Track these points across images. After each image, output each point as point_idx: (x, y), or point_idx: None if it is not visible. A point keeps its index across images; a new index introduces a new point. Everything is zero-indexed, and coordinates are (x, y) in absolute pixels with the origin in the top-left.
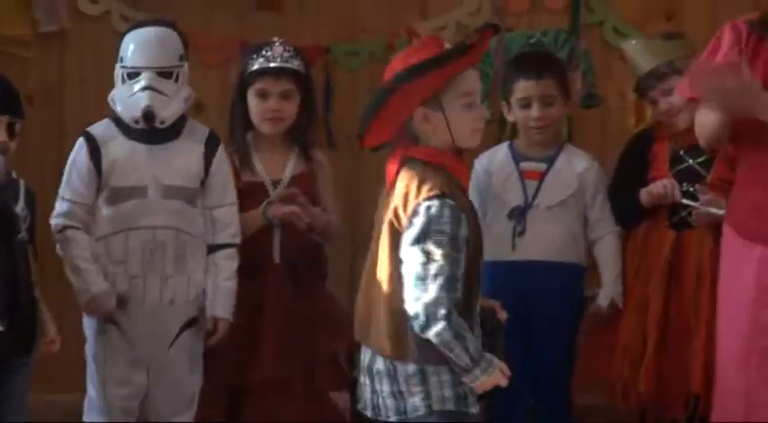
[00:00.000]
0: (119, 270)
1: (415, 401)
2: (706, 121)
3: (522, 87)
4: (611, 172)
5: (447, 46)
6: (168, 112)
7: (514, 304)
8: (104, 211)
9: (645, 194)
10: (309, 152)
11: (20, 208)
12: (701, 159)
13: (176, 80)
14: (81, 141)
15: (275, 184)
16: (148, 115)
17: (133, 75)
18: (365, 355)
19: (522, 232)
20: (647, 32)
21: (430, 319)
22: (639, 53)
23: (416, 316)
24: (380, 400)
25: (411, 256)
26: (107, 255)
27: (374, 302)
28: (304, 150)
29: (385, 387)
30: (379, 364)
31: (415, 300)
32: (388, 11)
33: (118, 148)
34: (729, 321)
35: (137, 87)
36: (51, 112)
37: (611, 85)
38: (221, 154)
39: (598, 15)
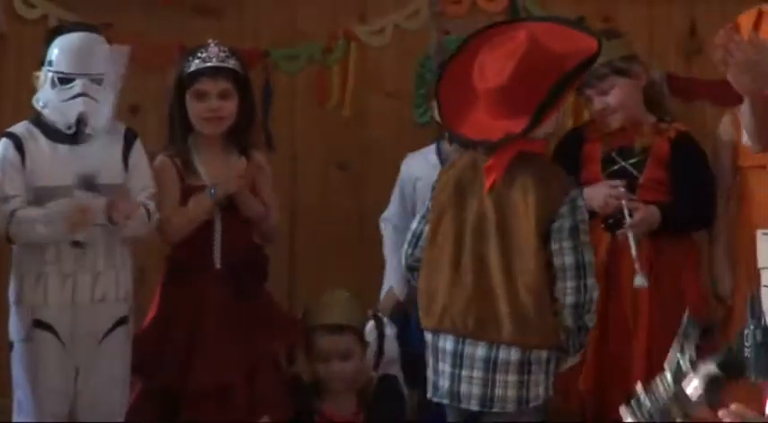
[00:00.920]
0: (52, 270)
1: (539, 390)
2: (748, 125)
3: None
4: None
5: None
6: (99, 119)
7: None
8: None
9: (593, 203)
10: (249, 153)
11: None
12: (633, 161)
13: (105, 87)
14: (5, 141)
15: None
16: (82, 122)
17: (66, 80)
18: (465, 348)
19: None
20: None
21: (590, 305)
22: None
23: (578, 304)
24: (489, 390)
25: (567, 248)
26: (39, 256)
27: (497, 296)
28: (243, 152)
29: (511, 377)
30: (511, 354)
31: (577, 289)
32: (327, 15)
33: (39, 148)
34: None
35: (71, 93)
36: None
37: None
38: (138, 147)
39: None
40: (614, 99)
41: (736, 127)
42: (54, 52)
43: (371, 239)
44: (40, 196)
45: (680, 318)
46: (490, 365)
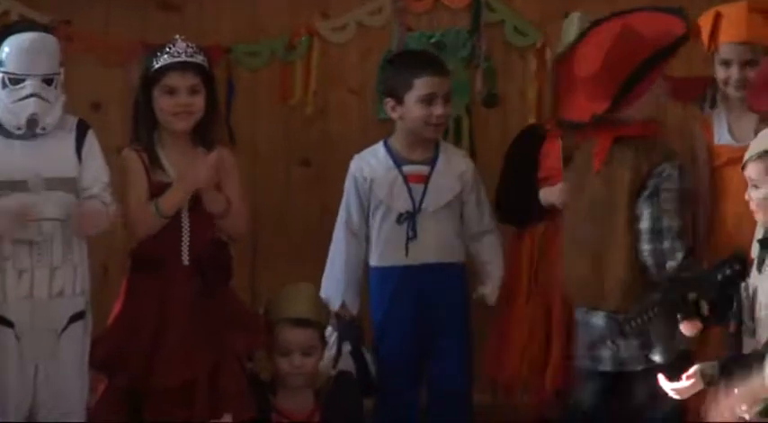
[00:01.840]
0: (7, 266)
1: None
2: None
3: (427, 83)
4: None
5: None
6: (50, 119)
7: (410, 308)
8: None
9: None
10: (215, 150)
11: None
12: None
13: (56, 87)
14: None
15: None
16: (33, 122)
17: (16, 80)
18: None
19: (414, 237)
20: (548, 32)
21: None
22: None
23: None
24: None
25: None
26: None
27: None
28: (209, 148)
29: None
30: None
31: (653, 252)
32: (289, 11)
33: None
34: None
35: (22, 94)
36: None
37: (512, 84)
38: (91, 137)
39: (499, 15)
40: None
41: (706, 129)
42: (4, 52)
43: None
44: None
45: None
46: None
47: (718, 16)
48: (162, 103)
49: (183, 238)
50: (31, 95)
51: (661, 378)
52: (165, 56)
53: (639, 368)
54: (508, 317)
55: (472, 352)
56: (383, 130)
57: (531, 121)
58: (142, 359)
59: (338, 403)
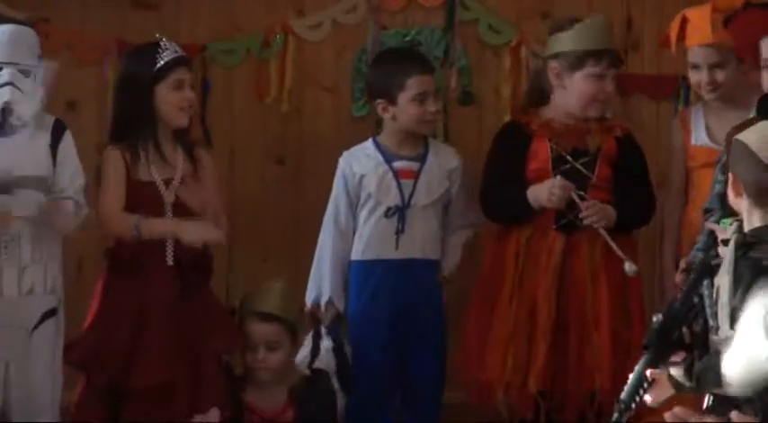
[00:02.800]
0: None
1: None
2: None
3: (419, 82)
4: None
5: None
6: (25, 110)
7: (393, 302)
8: None
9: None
10: (193, 152)
11: None
12: (583, 160)
13: (34, 79)
14: None
15: (167, 183)
16: (6, 111)
17: None
18: None
19: (403, 231)
20: (523, 30)
21: None
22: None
23: None
24: None
25: None
26: None
27: None
28: (188, 150)
29: None
30: None
31: None
32: (264, 8)
33: None
34: None
35: None
36: None
37: (487, 82)
38: (68, 139)
39: (473, 13)
40: (611, 89)
41: (685, 129)
42: None
43: (309, 234)
44: None
45: (630, 312)
46: None
47: (684, 20)
48: (170, 97)
49: (168, 242)
50: (6, 84)
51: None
52: (167, 52)
53: None
54: (491, 317)
55: (446, 350)
56: (359, 127)
57: (507, 118)
58: (122, 359)
59: (312, 401)
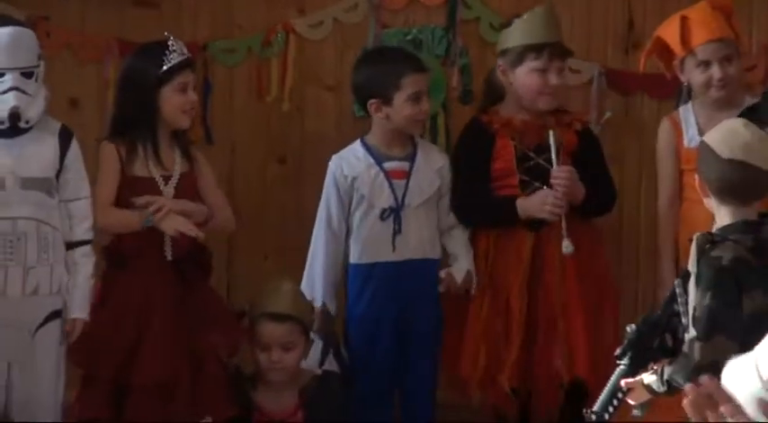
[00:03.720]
0: None
1: None
2: None
3: (414, 82)
4: None
5: None
6: (33, 112)
7: (392, 305)
8: None
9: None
10: (189, 151)
11: None
12: (546, 156)
13: (36, 80)
14: None
15: (166, 179)
16: (15, 116)
17: None
18: None
19: (399, 232)
20: None
21: None
22: None
23: None
24: None
25: None
26: None
27: None
28: (185, 149)
29: None
30: None
31: None
32: (265, 7)
33: None
34: None
35: (2, 88)
36: None
37: None
38: (75, 147)
39: (474, 12)
40: (565, 81)
41: (676, 130)
42: None
43: (311, 233)
44: None
45: (601, 303)
46: None
47: (684, 20)
48: (175, 100)
49: (167, 238)
50: (11, 89)
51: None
52: (174, 54)
53: None
54: (464, 314)
55: (440, 349)
56: (360, 127)
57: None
58: (125, 355)
59: (322, 403)
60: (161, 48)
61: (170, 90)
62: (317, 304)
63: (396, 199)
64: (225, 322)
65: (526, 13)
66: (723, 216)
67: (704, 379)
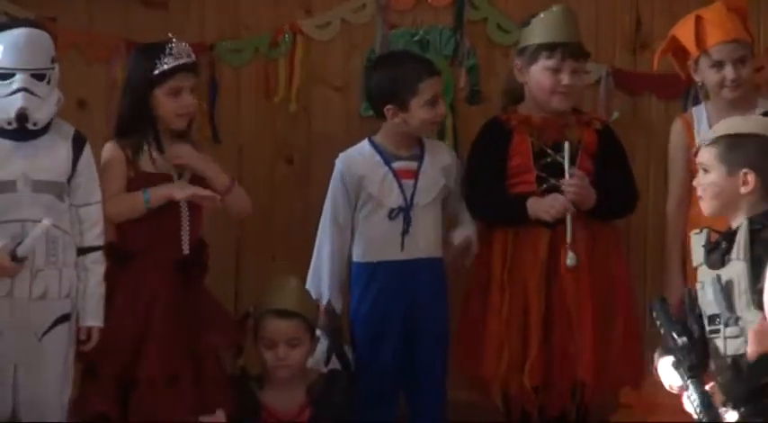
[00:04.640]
0: None
1: None
2: None
3: (430, 86)
4: None
5: None
6: (41, 114)
7: (400, 303)
8: None
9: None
10: (197, 149)
11: None
12: (563, 154)
13: (48, 82)
14: None
15: (180, 174)
16: (22, 117)
17: (6, 76)
18: None
19: (407, 231)
20: None
21: None
22: None
23: None
24: None
25: None
26: None
27: None
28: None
29: None
30: None
31: None
32: (272, 7)
33: None
34: None
35: (11, 88)
36: None
37: (495, 81)
38: (88, 153)
39: (482, 12)
40: (581, 81)
41: (687, 130)
42: None
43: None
44: None
45: (614, 303)
46: None
47: (698, 21)
48: (168, 104)
49: (183, 229)
50: (20, 90)
51: None
52: (169, 58)
53: None
54: (483, 313)
55: (449, 348)
56: (367, 126)
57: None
58: (128, 353)
59: (329, 402)
60: (157, 50)
61: (162, 93)
62: (323, 302)
63: (405, 198)
64: (220, 321)
65: (543, 12)
66: (757, 203)
67: None
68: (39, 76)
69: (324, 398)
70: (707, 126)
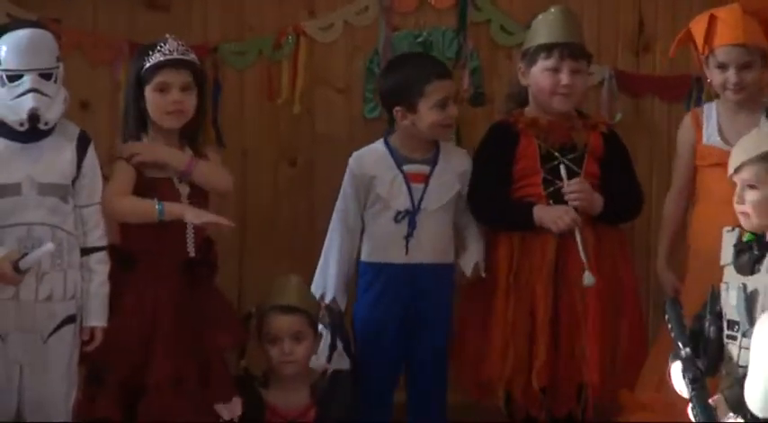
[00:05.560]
0: None
1: None
2: None
3: (439, 88)
4: None
5: None
6: (52, 114)
7: (398, 307)
8: None
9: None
10: (203, 151)
11: None
12: (571, 156)
13: (55, 81)
14: None
15: (180, 178)
16: (34, 117)
17: (14, 77)
18: None
19: (411, 235)
20: None
21: None
22: None
23: None
24: None
25: None
26: None
27: None
28: (197, 149)
29: None
30: None
31: None
32: (276, 9)
33: None
34: None
35: (20, 90)
36: None
37: (498, 83)
38: (92, 153)
39: (485, 14)
40: (581, 82)
41: (697, 127)
42: (2, 50)
43: (322, 235)
44: None
45: (620, 305)
46: None
47: (712, 19)
48: (154, 100)
49: (188, 230)
50: (30, 90)
51: None
52: (158, 54)
53: None
54: (488, 316)
55: (449, 352)
56: (371, 128)
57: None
58: (136, 355)
59: (334, 403)
60: (150, 48)
61: (149, 90)
62: (328, 298)
63: (412, 202)
64: (231, 322)
65: (542, 14)
66: None
67: None
68: (46, 75)
69: (328, 398)
70: (716, 123)
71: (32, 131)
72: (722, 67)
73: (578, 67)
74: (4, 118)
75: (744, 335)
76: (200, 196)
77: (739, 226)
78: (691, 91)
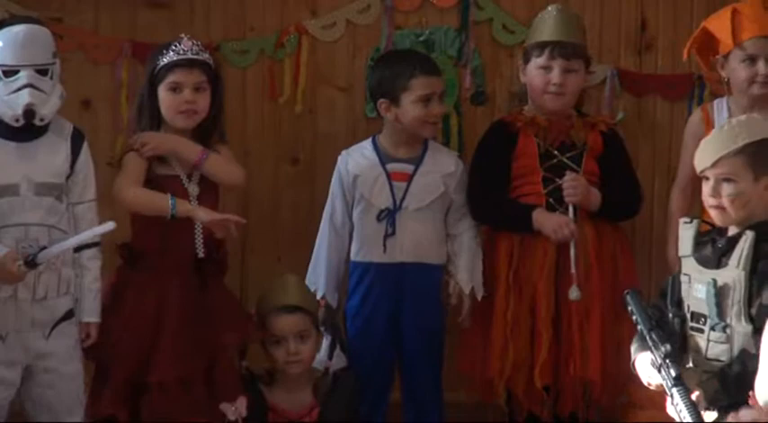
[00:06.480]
0: None
1: None
2: None
3: (423, 84)
4: None
5: None
6: (47, 110)
7: (385, 305)
8: None
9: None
10: (216, 148)
11: None
12: (570, 155)
13: (51, 77)
14: None
15: (189, 176)
16: (29, 113)
17: (10, 73)
18: None
19: (392, 234)
20: None
21: None
22: None
23: None
24: None
25: None
26: None
27: None
28: (210, 148)
29: None
30: None
31: None
32: (278, 8)
33: None
34: None
35: (16, 85)
36: None
37: (500, 82)
38: (86, 150)
39: (487, 13)
40: (574, 82)
41: (706, 123)
42: None
43: None
44: None
45: (621, 303)
46: None
47: (735, 13)
48: (167, 100)
49: (197, 229)
50: (26, 86)
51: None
52: (171, 53)
53: None
54: (489, 315)
55: (442, 351)
56: (372, 127)
57: None
58: (141, 354)
59: (336, 403)
60: (164, 47)
61: (163, 88)
62: (318, 296)
63: (394, 201)
64: (239, 321)
65: (540, 13)
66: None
67: None
68: (42, 71)
69: (331, 399)
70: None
71: (27, 128)
72: (751, 59)
73: (571, 67)
74: (1, 115)
75: (712, 329)
76: (209, 197)
77: (697, 218)
78: (693, 90)
